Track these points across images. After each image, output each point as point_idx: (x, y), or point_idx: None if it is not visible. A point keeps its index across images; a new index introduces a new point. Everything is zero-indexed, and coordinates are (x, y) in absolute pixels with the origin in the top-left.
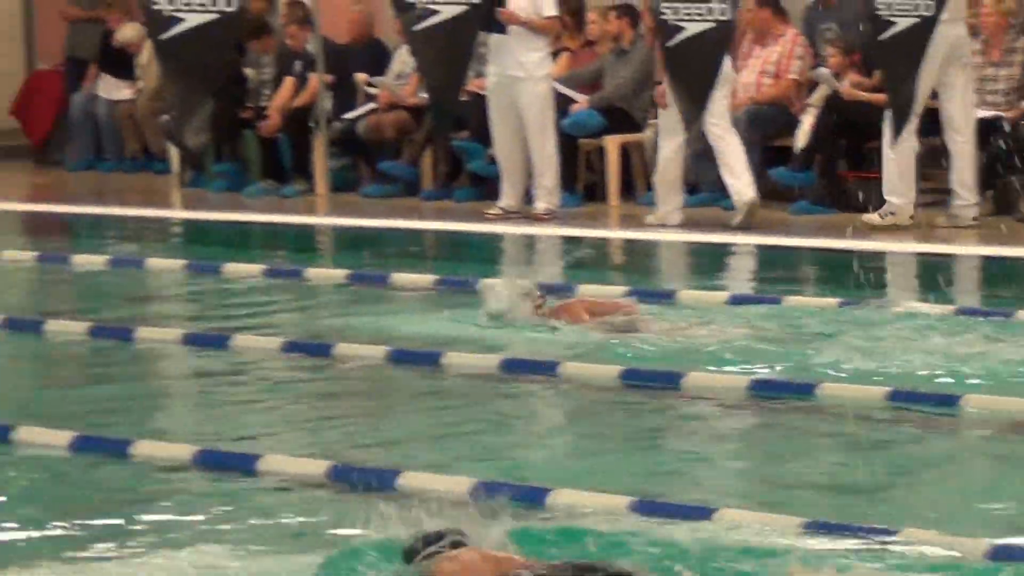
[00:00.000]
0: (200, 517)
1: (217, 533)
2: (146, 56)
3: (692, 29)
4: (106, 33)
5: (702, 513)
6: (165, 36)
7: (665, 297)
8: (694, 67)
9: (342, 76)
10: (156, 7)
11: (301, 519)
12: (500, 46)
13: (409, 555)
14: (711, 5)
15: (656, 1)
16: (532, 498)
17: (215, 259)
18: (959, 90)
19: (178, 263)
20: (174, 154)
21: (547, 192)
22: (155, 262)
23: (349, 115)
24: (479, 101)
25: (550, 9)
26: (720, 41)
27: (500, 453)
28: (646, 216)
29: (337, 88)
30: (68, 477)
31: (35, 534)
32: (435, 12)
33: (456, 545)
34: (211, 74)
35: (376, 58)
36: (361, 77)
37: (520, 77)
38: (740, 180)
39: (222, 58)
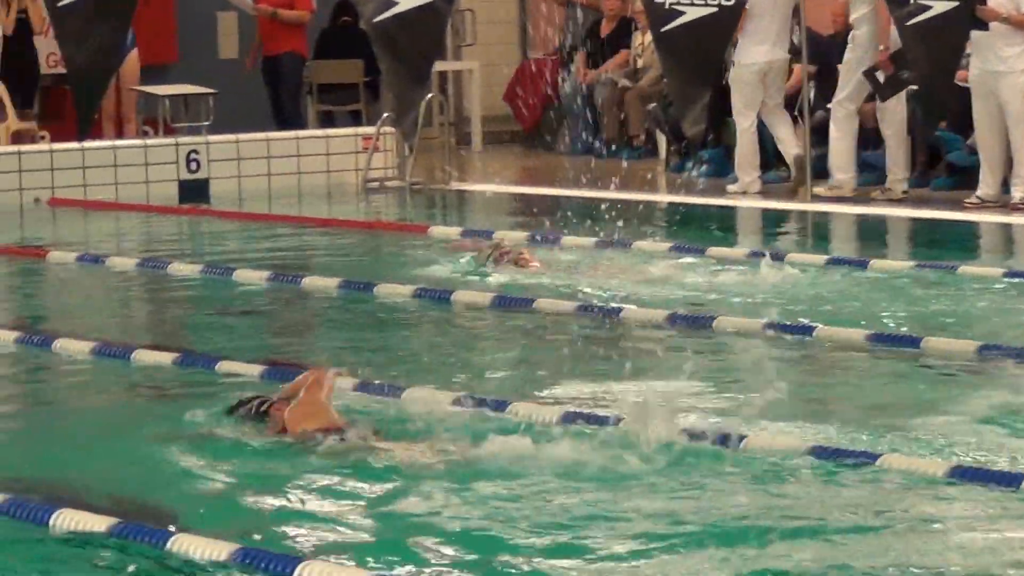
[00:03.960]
0: None
1: None
2: (645, 43)
3: None
4: (595, 22)
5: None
6: (665, 29)
7: None
8: None
9: (825, 66)
10: (658, 0)
11: None
12: (981, 41)
13: (229, 411)
14: None
15: None
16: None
17: (700, 243)
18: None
19: (663, 246)
20: (661, 141)
21: None
22: (642, 245)
23: (830, 105)
24: (959, 93)
25: None
26: None
27: None
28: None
29: (820, 78)
30: None
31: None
32: (928, 7)
33: (264, 405)
34: (709, 66)
35: None
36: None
37: (1001, 71)
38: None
39: (719, 50)
